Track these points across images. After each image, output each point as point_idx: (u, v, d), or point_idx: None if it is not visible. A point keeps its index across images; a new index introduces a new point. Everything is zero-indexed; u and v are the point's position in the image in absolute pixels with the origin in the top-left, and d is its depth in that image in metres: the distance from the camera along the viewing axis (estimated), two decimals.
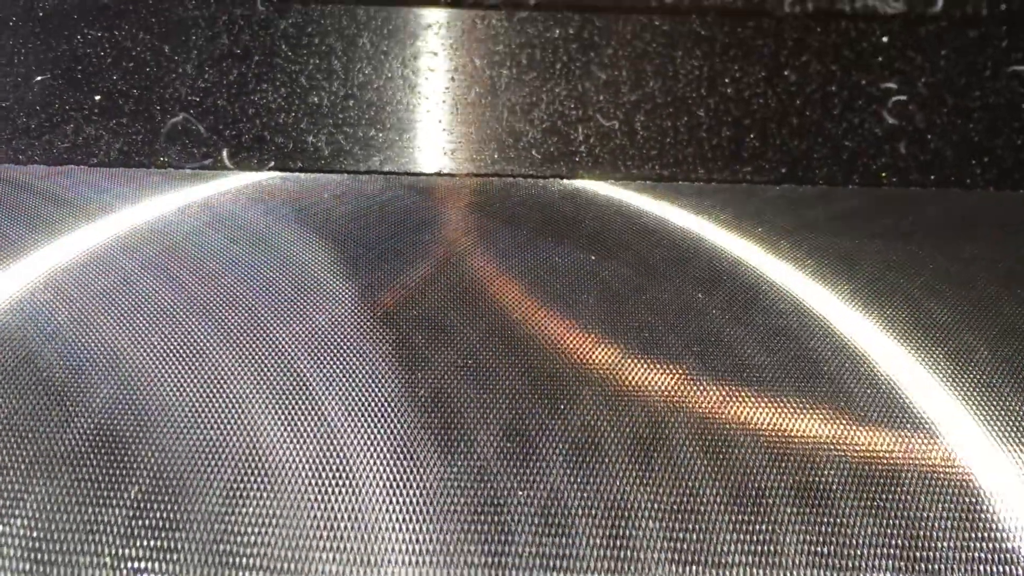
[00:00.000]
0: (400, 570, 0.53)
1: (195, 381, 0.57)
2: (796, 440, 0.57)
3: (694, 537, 0.55)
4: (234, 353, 0.59)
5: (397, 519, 0.54)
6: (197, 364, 0.58)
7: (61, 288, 0.61)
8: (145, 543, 0.52)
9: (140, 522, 0.52)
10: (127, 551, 0.52)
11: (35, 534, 0.51)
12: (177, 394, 0.56)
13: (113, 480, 0.53)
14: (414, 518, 0.54)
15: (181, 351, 0.59)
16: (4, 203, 0.64)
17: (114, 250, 0.63)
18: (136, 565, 0.51)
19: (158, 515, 0.53)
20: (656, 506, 0.55)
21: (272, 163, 0.64)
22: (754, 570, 0.55)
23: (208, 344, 0.59)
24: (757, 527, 0.55)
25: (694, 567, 0.54)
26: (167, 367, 0.58)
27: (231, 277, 0.63)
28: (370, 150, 0.66)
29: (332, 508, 0.54)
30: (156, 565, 0.51)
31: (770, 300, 0.63)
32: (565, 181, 0.68)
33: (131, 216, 0.65)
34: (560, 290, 0.63)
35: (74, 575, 0.51)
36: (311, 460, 0.55)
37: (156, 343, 0.59)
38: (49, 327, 0.59)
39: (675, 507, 0.55)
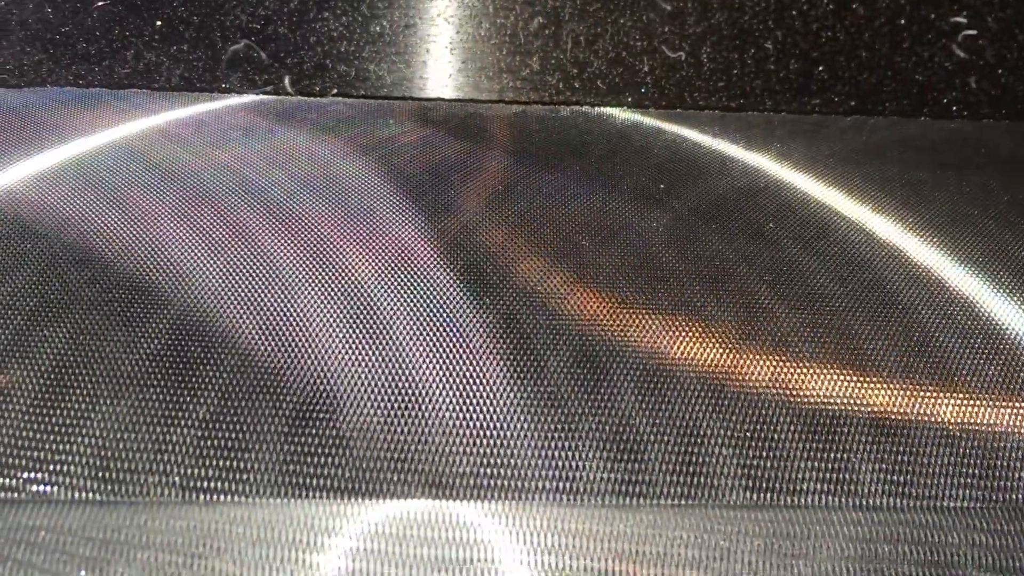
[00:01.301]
0: (469, 493, 0.53)
1: (264, 303, 0.57)
2: (869, 370, 0.56)
3: (768, 464, 0.54)
4: (304, 276, 0.58)
5: (466, 444, 0.53)
6: (266, 286, 0.58)
7: (128, 207, 0.60)
8: (214, 463, 0.51)
9: (209, 443, 0.52)
10: (196, 471, 0.51)
11: (102, 454, 0.51)
12: (246, 316, 0.56)
13: (181, 401, 0.53)
14: (483, 443, 0.54)
15: (251, 272, 0.58)
16: (71, 123, 0.64)
17: (183, 170, 0.63)
18: (205, 485, 0.51)
19: (227, 436, 0.52)
20: (729, 433, 0.55)
21: (335, 90, 0.64)
22: (828, 498, 0.54)
23: (278, 267, 0.59)
24: (831, 455, 0.55)
25: (768, 494, 0.54)
26: (236, 288, 0.57)
27: (300, 201, 0.62)
28: (433, 78, 0.66)
29: (401, 432, 0.53)
30: (225, 485, 0.51)
31: (841, 230, 0.62)
32: (630, 112, 0.67)
33: (196, 139, 0.64)
34: (630, 218, 0.62)
35: (143, 495, 0.50)
36: (380, 383, 0.54)
37: (225, 264, 0.58)
38: (116, 247, 0.58)
39: (748, 435, 0.55)
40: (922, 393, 0.55)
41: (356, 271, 0.58)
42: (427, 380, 0.54)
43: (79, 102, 0.64)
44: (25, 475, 0.50)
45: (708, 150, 0.65)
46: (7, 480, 0.50)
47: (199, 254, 0.58)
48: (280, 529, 0.51)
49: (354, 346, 0.55)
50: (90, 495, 0.50)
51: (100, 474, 0.51)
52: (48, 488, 0.50)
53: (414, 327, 0.56)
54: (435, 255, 0.60)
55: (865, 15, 0.66)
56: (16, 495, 0.50)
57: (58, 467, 0.50)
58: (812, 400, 0.55)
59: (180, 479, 0.51)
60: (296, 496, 0.51)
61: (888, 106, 0.64)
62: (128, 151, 0.63)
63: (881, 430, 0.54)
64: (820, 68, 0.67)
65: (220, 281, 0.57)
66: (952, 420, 0.54)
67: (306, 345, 0.55)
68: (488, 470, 0.52)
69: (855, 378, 0.56)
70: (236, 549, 0.50)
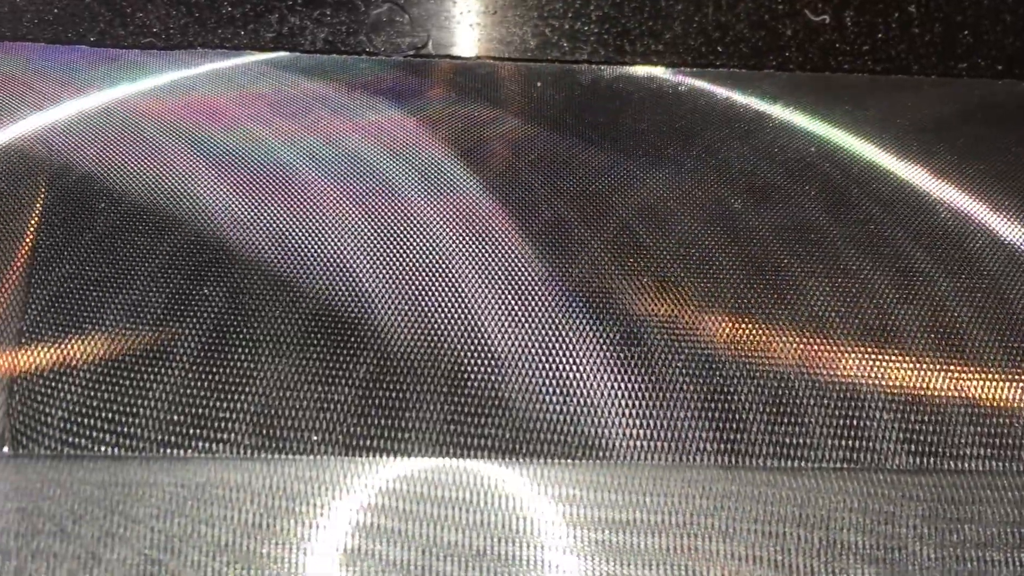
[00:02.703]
0: (631, 454, 0.53)
1: (417, 266, 0.57)
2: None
3: (929, 429, 0.53)
4: (457, 237, 0.58)
5: (626, 405, 0.53)
6: (419, 248, 0.58)
7: (283, 170, 0.60)
8: (376, 422, 0.52)
9: (370, 401, 0.52)
10: (358, 429, 0.52)
11: (265, 411, 0.52)
12: (399, 279, 0.56)
13: (341, 360, 0.53)
14: (643, 404, 0.53)
15: (402, 234, 0.58)
16: (221, 88, 0.65)
17: (336, 135, 0.63)
18: (367, 443, 0.51)
19: (386, 395, 0.52)
20: (888, 397, 0.54)
21: (476, 52, 0.63)
22: (992, 463, 0.53)
23: (432, 228, 0.59)
24: (993, 419, 0.54)
25: (930, 458, 0.53)
26: (388, 252, 0.57)
27: (451, 169, 0.62)
28: (574, 40, 0.65)
29: (559, 394, 0.53)
30: (386, 444, 0.51)
31: (997, 196, 0.61)
32: (772, 75, 0.66)
33: (346, 102, 0.65)
34: (780, 182, 0.61)
35: (305, 451, 0.51)
36: (536, 344, 0.54)
37: (377, 229, 0.58)
38: (266, 216, 0.59)
39: (908, 399, 0.54)
40: None
41: (509, 235, 0.58)
42: (584, 343, 0.54)
43: (226, 65, 0.64)
44: (190, 432, 0.51)
45: (851, 111, 0.65)
46: (174, 437, 0.51)
47: (351, 218, 0.59)
48: (441, 486, 0.51)
49: (507, 309, 0.55)
50: (254, 452, 0.51)
51: (263, 431, 0.51)
52: (213, 445, 0.51)
53: (569, 289, 0.56)
54: (587, 218, 0.60)
55: None
56: (182, 452, 0.50)
57: (222, 424, 0.51)
58: (972, 364, 0.54)
59: (343, 437, 0.51)
60: (459, 455, 0.51)
61: None
62: (275, 116, 0.63)
63: None
64: (965, 32, 0.66)
65: (369, 246, 0.57)
66: None
67: (460, 307, 0.55)
68: (649, 431, 0.52)
69: (1017, 343, 0.55)
70: (398, 504, 0.51)
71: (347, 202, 0.59)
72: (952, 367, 0.54)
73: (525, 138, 0.63)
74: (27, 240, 0.56)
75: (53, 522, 0.48)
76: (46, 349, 0.52)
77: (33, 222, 0.57)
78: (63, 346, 0.52)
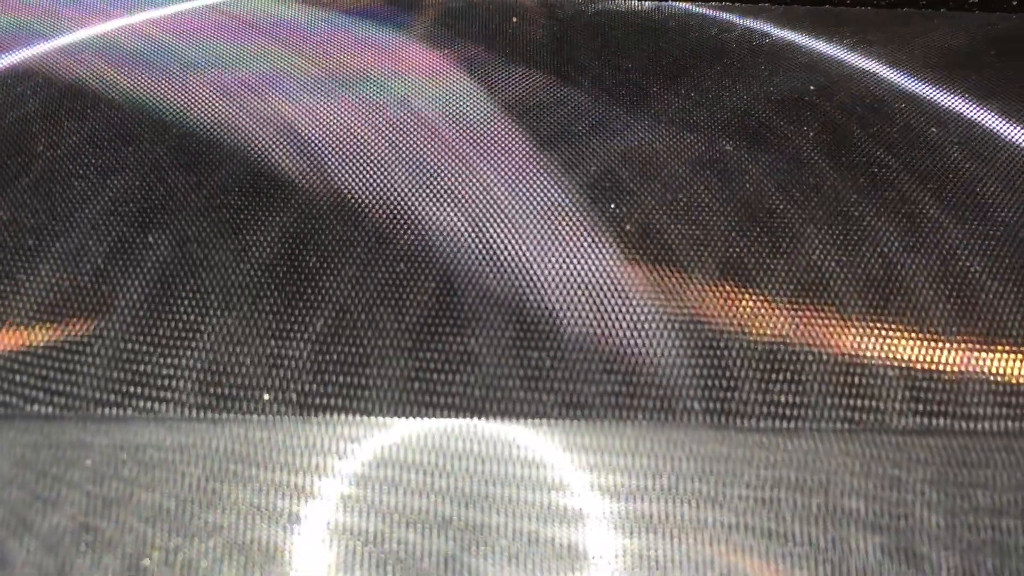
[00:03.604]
0: (608, 413, 0.49)
1: (382, 208, 0.53)
2: None
3: (938, 387, 0.49)
4: (422, 183, 0.54)
5: (601, 360, 0.49)
6: (383, 190, 0.54)
7: (237, 112, 0.57)
8: (332, 379, 0.48)
9: (326, 357, 0.49)
10: (312, 387, 0.48)
11: (212, 367, 0.48)
12: (362, 223, 0.52)
13: (297, 313, 0.49)
14: (621, 359, 0.49)
15: (364, 176, 0.54)
16: (171, 27, 0.61)
17: (289, 76, 0.59)
18: (322, 402, 0.47)
19: (346, 350, 0.49)
20: (893, 355, 0.50)
21: None
22: (1008, 423, 0.49)
23: (393, 169, 0.55)
24: (1007, 378, 0.50)
25: (939, 419, 0.49)
26: (350, 193, 0.54)
27: (416, 109, 0.58)
28: None
29: (531, 349, 0.50)
30: (344, 402, 0.47)
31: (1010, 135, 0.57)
32: (769, 9, 0.62)
33: (303, 44, 0.61)
34: (776, 123, 0.57)
35: (256, 410, 0.47)
36: (508, 296, 0.51)
37: (340, 173, 0.54)
38: (224, 152, 0.55)
39: (914, 357, 0.50)
40: None
41: (483, 175, 0.54)
42: (554, 293, 0.50)
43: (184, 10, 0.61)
44: (130, 390, 0.47)
45: (861, 49, 0.61)
46: (112, 396, 0.47)
47: (310, 162, 0.55)
48: (404, 448, 0.47)
49: (480, 257, 0.51)
50: (200, 412, 0.47)
51: (211, 390, 0.47)
52: (155, 404, 0.47)
53: (541, 236, 0.52)
54: (567, 155, 0.56)
55: None
56: (122, 411, 0.47)
57: (165, 382, 0.47)
58: (985, 318, 0.50)
59: (296, 396, 0.47)
60: (418, 415, 0.47)
61: None
62: (232, 55, 0.59)
63: None
64: None
65: (332, 188, 0.53)
66: None
67: (430, 255, 0.51)
68: (624, 388, 0.48)
69: None
70: (356, 467, 0.47)
71: (303, 144, 0.55)
72: (963, 322, 0.50)
73: (501, 77, 0.59)
74: None
75: None
76: None
77: None
78: None
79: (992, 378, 0.49)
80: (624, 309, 0.49)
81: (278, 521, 0.45)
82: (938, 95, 0.58)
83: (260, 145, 0.54)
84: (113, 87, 0.56)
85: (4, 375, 0.46)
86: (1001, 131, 0.57)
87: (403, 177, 0.54)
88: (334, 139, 0.55)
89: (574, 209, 0.53)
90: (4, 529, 0.44)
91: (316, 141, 0.55)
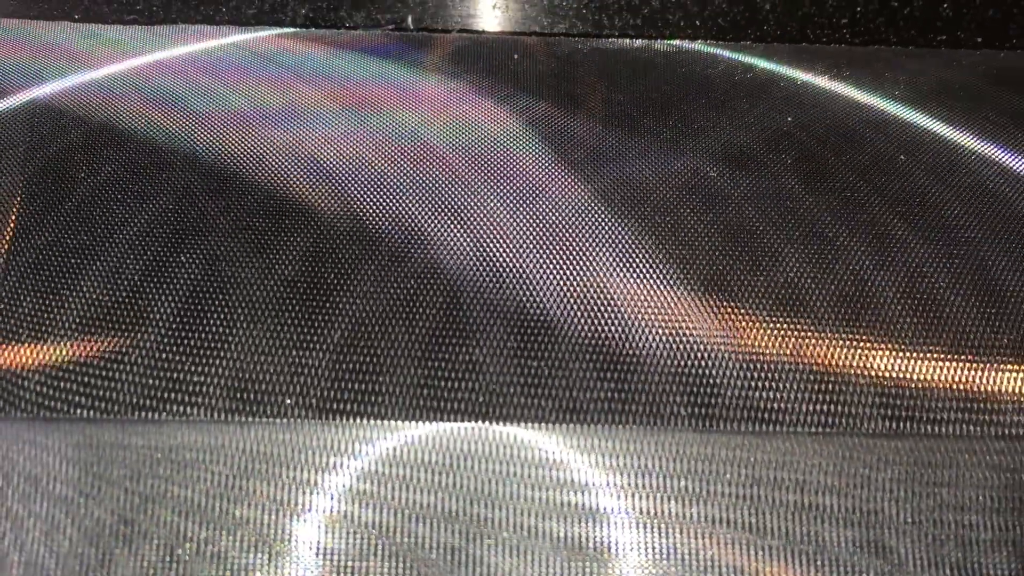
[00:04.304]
0: (604, 418, 0.52)
1: (394, 230, 0.57)
2: (1006, 302, 0.55)
3: (906, 394, 0.53)
4: (432, 207, 0.58)
5: (599, 370, 0.53)
6: (396, 213, 0.58)
7: (260, 141, 0.61)
8: (350, 386, 0.52)
9: (344, 366, 0.53)
10: (332, 393, 0.52)
11: (239, 375, 0.52)
12: (376, 243, 0.56)
13: (316, 325, 0.53)
14: (617, 369, 0.53)
15: (378, 201, 0.59)
16: (199, 60, 0.65)
17: (309, 108, 0.63)
18: (342, 407, 0.51)
19: (362, 359, 0.53)
20: (864, 363, 0.54)
21: (457, 28, 0.64)
22: (970, 427, 0.53)
23: (405, 194, 0.59)
24: (972, 385, 0.54)
25: (906, 423, 0.52)
26: (366, 216, 0.58)
27: (424, 135, 0.62)
28: (552, 15, 0.66)
29: (531, 359, 0.53)
30: (361, 407, 0.51)
31: (973, 163, 0.61)
32: (750, 47, 0.67)
33: (323, 78, 0.65)
34: (757, 151, 0.61)
35: (280, 414, 0.51)
36: (509, 310, 0.55)
37: (353, 196, 0.59)
38: (242, 185, 0.59)
39: (884, 365, 0.54)
40: None
41: (487, 198, 0.59)
42: (556, 307, 0.54)
43: (208, 38, 0.65)
44: (165, 395, 0.51)
45: (835, 83, 0.65)
46: (148, 401, 0.51)
47: (328, 187, 0.59)
48: (414, 449, 0.51)
49: (486, 273, 0.55)
50: (228, 415, 0.51)
51: (238, 395, 0.51)
52: (187, 409, 0.51)
53: (542, 253, 0.56)
54: (565, 180, 0.60)
55: None
56: (157, 415, 0.51)
57: (196, 388, 0.51)
58: (950, 330, 0.54)
59: (316, 400, 0.51)
60: (427, 419, 0.51)
61: (1018, 41, 0.63)
62: (257, 88, 0.64)
63: (1022, 360, 0.53)
64: (945, 5, 0.66)
65: (347, 209, 0.58)
66: None
67: (438, 272, 0.55)
68: (620, 395, 0.52)
69: (993, 309, 0.55)
70: (370, 466, 0.51)
71: (322, 171, 0.60)
72: (928, 334, 0.54)
73: (504, 109, 0.63)
74: (7, 210, 0.57)
75: (28, 482, 0.49)
76: (24, 314, 0.53)
77: (13, 193, 0.58)
78: (41, 311, 0.53)
79: (955, 386, 0.53)
80: (616, 322, 0.53)
81: (300, 515, 0.49)
82: (906, 125, 0.63)
83: (283, 172, 0.59)
84: (147, 120, 0.61)
85: (51, 382, 0.51)
86: (964, 158, 0.61)
87: (413, 201, 0.58)
88: (350, 167, 0.59)
89: (571, 229, 0.57)
90: (49, 522, 0.48)
91: (334, 168, 0.59)
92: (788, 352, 0.53)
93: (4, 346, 0.52)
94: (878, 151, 0.61)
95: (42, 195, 0.57)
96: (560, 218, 0.57)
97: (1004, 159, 0.60)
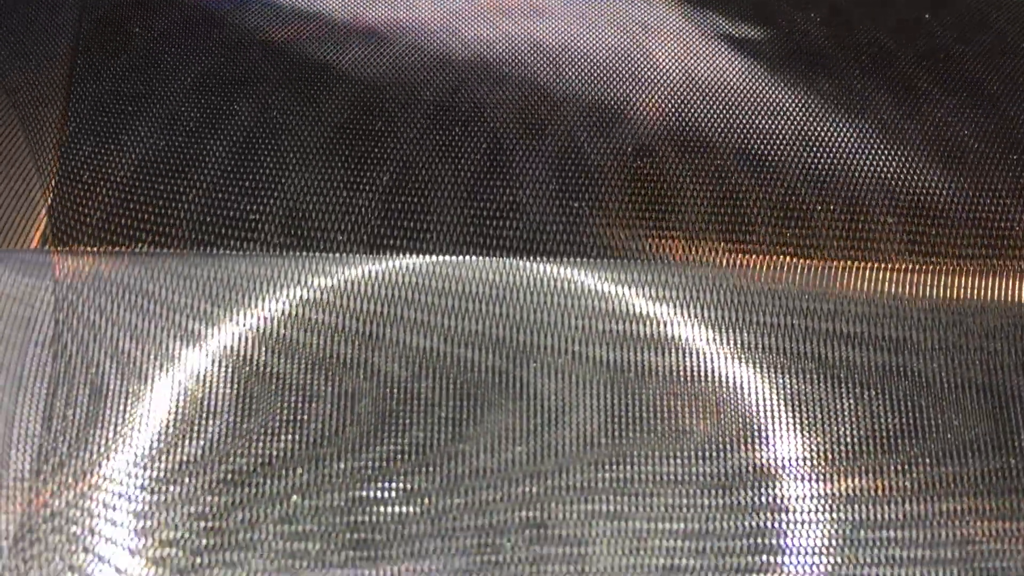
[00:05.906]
0: (640, 254, 0.55)
1: (439, 80, 0.59)
2: None
3: (932, 231, 0.55)
4: (475, 58, 0.60)
5: (636, 208, 0.55)
6: (440, 64, 0.60)
7: (300, 4, 0.63)
8: (399, 223, 0.54)
9: (394, 205, 0.55)
10: (382, 230, 0.54)
11: (293, 213, 0.54)
12: (422, 95, 0.58)
13: (365, 168, 0.55)
14: (652, 206, 0.55)
15: (422, 55, 0.61)
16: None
17: None
18: (393, 243, 0.53)
19: (410, 200, 0.55)
20: (891, 200, 0.56)
21: None
22: (995, 261, 0.55)
23: (448, 49, 0.61)
24: (998, 221, 0.56)
25: (932, 258, 0.55)
26: (414, 71, 0.60)
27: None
28: None
29: (571, 197, 0.55)
30: (410, 244, 0.53)
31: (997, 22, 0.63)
32: None
33: None
34: (786, 8, 0.63)
35: (331, 248, 0.53)
36: (551, 152, 0.56)
37: (401, 48, 0.60)
38: (292, 37, 0.60)
39: (911, 201, 0.56)
40: None
41: (528, 56, 0.61)
42: (597, 150, 0.56)
43: None
44: (222, 231, 0.53)
45: None
46: (207, 236, 0.53)
47: (374, 41, 0.61)
48: (463, 281, 0.53)
49: (525, 125, 0.57)
50: (282, 249, 0.53)
51: (292, 230, 0.54)
52: (244, 243, 0.53)
53: (582, 109, 0.58)
54: (606, 31, 0.62)
55: None
56: (214, 249, 0.53)
57: (252, 223, 0.53)
58: (973, 173, 0.56)
59: (367, 237, 0.54)
60: (474, 253, 0.53)
61: None
62: None
63: None
64: None
65: (400, 66, 0.59)
66: None
67: (479, 122, 0.57)
68: (659, 232, 0.54)
69: (1015, 155, 0.57)
70: (422, 297, 0.53)
71: (370, 25, 0.62)
72: (954, 175, 0.56)
73: None
74: (68, 60, 0.59)
75: (94, 311, 0.51)
76: (86, 155, 0.55)
77: (72, 46, 0.60)
78: (102, 154, 0.55)
79: (978, 222, 0.54)
80: (657, 167, 0.56)
81: (357, 341, 0.51)
82: None
83: (330, 27, 0.61)
84: None
85: (115, 219, 0.53)
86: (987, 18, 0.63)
87: (457, 54, 0.60)
88: (395, 22, 0.61)
89: (607, 81, 0.59)
90: (113, 345, 0.50)
91: (380, 23, 0.61)
92: (821, 188, 0.55)
93: (67, 185, 0.54)
94: (905, 11, 0.63)
95: (99, 48, 0.59)
96: (595, 68, 0.59)
97: None
